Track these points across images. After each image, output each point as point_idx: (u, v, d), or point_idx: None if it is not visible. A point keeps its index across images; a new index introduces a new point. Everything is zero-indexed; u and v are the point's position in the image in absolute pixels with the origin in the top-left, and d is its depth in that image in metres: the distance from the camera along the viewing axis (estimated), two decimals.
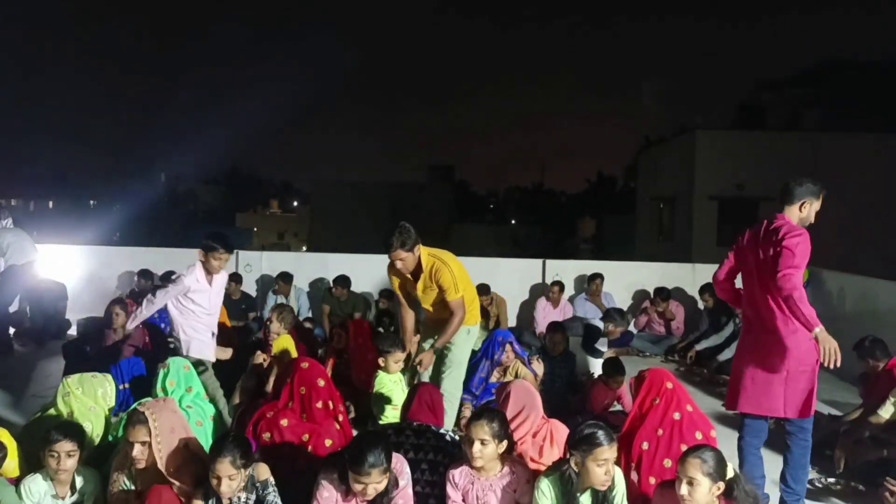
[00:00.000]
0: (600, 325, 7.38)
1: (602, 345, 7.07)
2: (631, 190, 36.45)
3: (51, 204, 51.37)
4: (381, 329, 7.23)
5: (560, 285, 8.95)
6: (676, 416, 3.90)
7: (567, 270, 9.58)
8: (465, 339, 5.13)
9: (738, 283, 4.28)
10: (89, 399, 4.19)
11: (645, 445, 3.90)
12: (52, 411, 4.19)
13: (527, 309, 9.40)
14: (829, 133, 19.12)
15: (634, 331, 8.99)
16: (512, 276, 9.68)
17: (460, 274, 4.94)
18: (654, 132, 26.89)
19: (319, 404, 4.05)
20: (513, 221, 51.13)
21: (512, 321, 9.21)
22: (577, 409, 5.54)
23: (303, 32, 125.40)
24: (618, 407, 5.68)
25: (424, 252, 4.90)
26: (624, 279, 9.63)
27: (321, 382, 4.11)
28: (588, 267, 9.67)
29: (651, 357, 8.42)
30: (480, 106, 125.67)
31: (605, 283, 9.16)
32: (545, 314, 8.69)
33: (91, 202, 49.60)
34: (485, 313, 8.86)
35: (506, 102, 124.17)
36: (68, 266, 9.36)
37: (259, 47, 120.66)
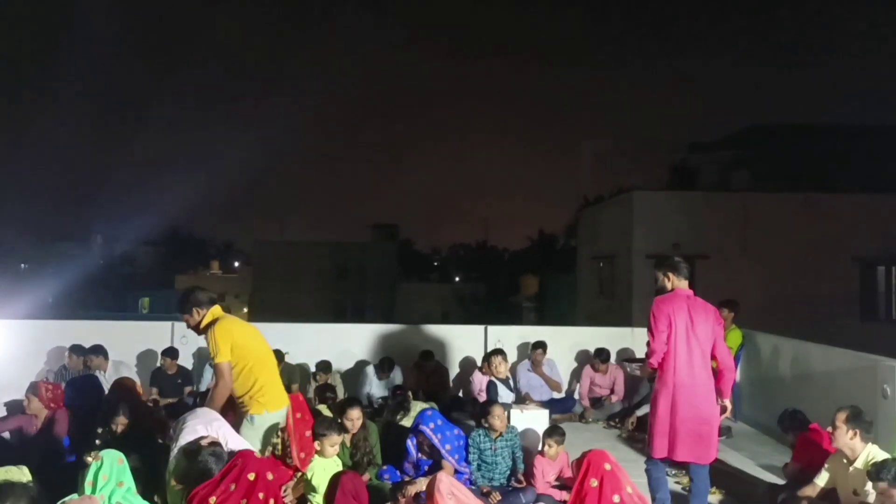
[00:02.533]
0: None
1: (539, 417, 6.94)
2: (572, 248, 37.07)
3: None
4: (326, 404, 7.05)
5: (495, 356, 8.74)
6: (615, 498, 3.91)
7: (509, 336, 9.58)
8: (249, 429, 4.83)
9: None
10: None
11: None
12: None
13: (467, 377, 9.34)
14: (756, 193, 19.93)
15: (576, 396, 9.03)
16: (455, 343, 9.64)
17: (225, 338, 4.80)
18: (593, 192, 27.50)
19: (262, 495, 3.95)
20: (457, 279, 51.37)
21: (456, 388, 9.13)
22: (519, 489, 5.49)
23: (243, 94, 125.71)
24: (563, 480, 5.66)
25: (211, 315, 4.96)
26: (566, 342, 9.68)
27: (270, 476, 4.03)
28: (530, 332, 9.70)
29: (593, 423, 8.44)
30: (422, 164, 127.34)
31: (548, 346, 9.16)
32: (480, 388, 8.50)
33: (22, 265, 47.98)
34: (422, 382, 8.76)
35: (448, 160, 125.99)
36: None
37: (197, 112, 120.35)
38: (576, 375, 9.39)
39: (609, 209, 23.31)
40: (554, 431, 5.77)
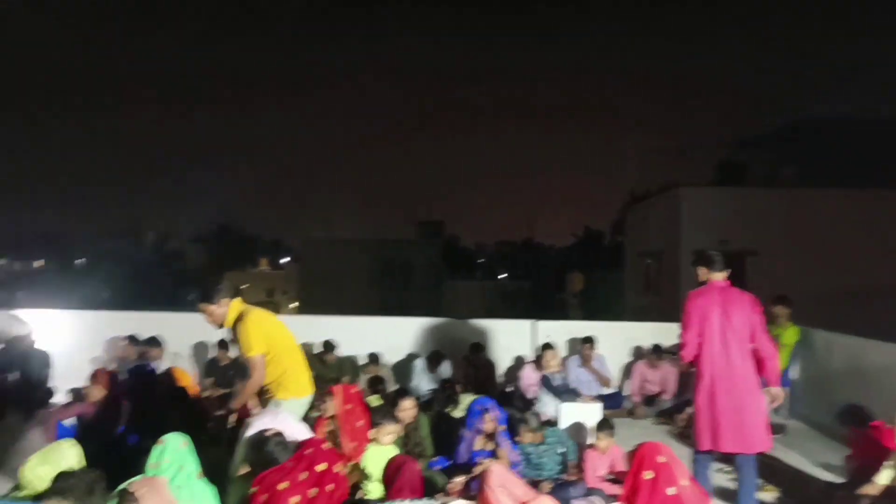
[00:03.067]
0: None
1: (589, 412, 6.93)
2: (618, 244, 36.71)
3: (37, 264, 51.10)
4: (376, 395, 7.13)
5: (546, 351, 8.73)
6: (671, 490, 3.87)
7: (558, 331, 9.57)
8: (274, 412, 4.86)
9: None
10: (54, 471, 4.12)
11: None
12: (18, 493, 4.11)
13: (516, 372, 9.34)
14: (805, 189, 19.52)
15: (625, 392, 8.96)
16: (502, 338, 9.66)
17: (258, 331, 4.88)
18: (640, 188, 27.18)
19: (329, 487, 4.03)
20: (500, 276, 51.20)
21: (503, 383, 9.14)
22: (570, 482, 5.47)
23: (292, 90, 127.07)
24: (611, 476, 5.62)
25: (235, 310, 4.98)
26: (615, 338, 9.62)
27: (338, 468, 4.13)
28: (579, 328, 9.66)
29: (643, 419, 8.37)
30: (468, 160, 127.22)
31: (597, 342, 9.11)
32: (530, 382, 8.52)
33: (78, 262, 49.37)
34: (471, 377, 8.81)
35: (493, 155, 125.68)
36: (54, 332, 9.27)
37: (246, 110, 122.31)
38: (625, 371, 9.32)
39: (656, 205, 23.02)
40: (603, 425, 5.75)
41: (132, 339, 8.85)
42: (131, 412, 6.25)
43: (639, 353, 9.35)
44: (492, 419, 5.75)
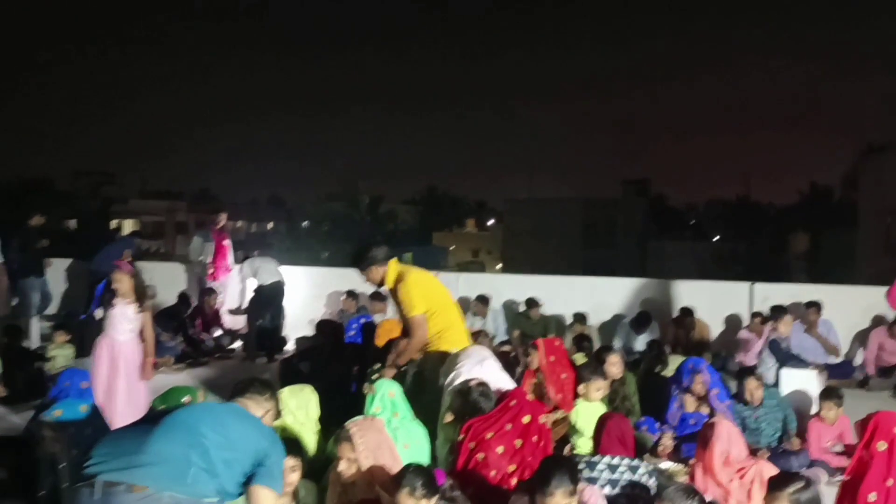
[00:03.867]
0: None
1: (812, 379, 6.45)
2: (851, 202, 33.33)
3: (269, 226, 56.25)
4: (582, 353, 7.11)
5: (761, 316, 8.25)
6: None
7: (778, 295, 8.89)
8: (436, 363, 5.02)
9: None
10: (300, 412, 4.52)
11: (872, 496, 3.54)
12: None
13: (731, 336, 8.86)
14: None
15: (859, 361, 8.20)
16: (715, 301, 9.18)
17: (419, 291, 5.01)
18: (878, 138, 24.39)
19: (535, 438, 4.11)
20: (715, 238, 48.54)
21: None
22: (791, 451, 5.14)
23: (490, 54, 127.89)
24: (839, 447, 5.21)
25: (394, 270, 5.12)
26: (846, 303, 8.78)
27: (543, 419, 4.20)
28: (802, 291, 8.92)
29: (877, 391, 7.63)
30: (676, 114, 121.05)
31: (824, 309, 8.38)
32: (748, 348, 8.06)
33: (303, 224, 53.61)
34: (681, 339, 8.51)
35: (705, 109, 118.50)
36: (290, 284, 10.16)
37: (454, 70, 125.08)
38: (859, 339, 8.50)
39: None
40: (832, 393, 5.33)
41: (351, 294, 9.50)
42: (352, 360, 6.72)
43: (877, 321, 8.47)
44: (702, 381, 5.53)
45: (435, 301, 5.21)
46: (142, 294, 5.62)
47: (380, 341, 7.04)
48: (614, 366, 5.74)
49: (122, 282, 5.56)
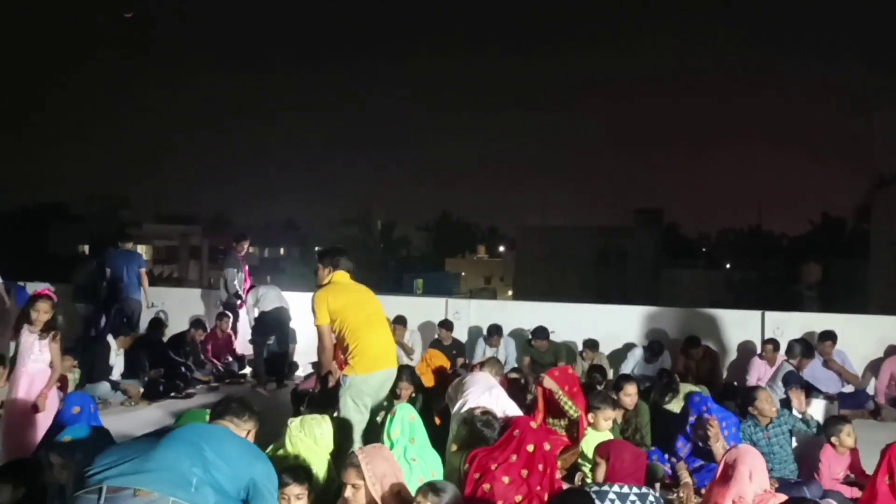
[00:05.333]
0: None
1: (819, 408, 6.43)
2: (863, 232, 33.15)
3: (282, 251, 56.44)
4: (597, 386, 7.08)
5: (774, 343, 8.25)
6: None
7: (789, 324, 8.87)
8: (343, 388, 5.06)
9: None
10: (309, 440, 4.53)
11: None
12: (280, 451, 4.57)
13: (742, 365, 8.82)
14: None
15: (871, 391, 8.13)
16: (727, 329, 9.14)
17: (324, 304, 5.14)
18: (891, 169, 24.28)
19: (541, 466, 4.10)
20: (727, 266, 48.30)
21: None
22: (803, 482, 5.10)
23: (501, 86, 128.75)
24: (853, 477, 5.16)
25: (328, 278, 5.37)
26: (856, 333, 8.73)
27: (547, 447, 4.17)
28: (814, 320, 8.88)
29: (890, 421, 7.55)
30: (689, 144, 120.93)
31: (838, 336, 8.30)
32: (759, 375, 8.03)
33: (316, 249, 53.87)
34: (690, 368, 8.44)
35: (717, 140, 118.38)
36: (297, 312, 10.22)
37: (470, 103, 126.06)
38: (871, 369, 8.44)
39: None
40: (843, 422, 5.24)
41: None
42: None
43: (889, 350, 8.41)
44: (711, 425, 5.44)
45: (347, 318, 5.21)
46: (51, 325, 5.38)
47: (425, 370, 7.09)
48: (629, 396, 5.72)
49: (41, 311, 5.32)
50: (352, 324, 5.20)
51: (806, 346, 7.70)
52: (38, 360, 5.35)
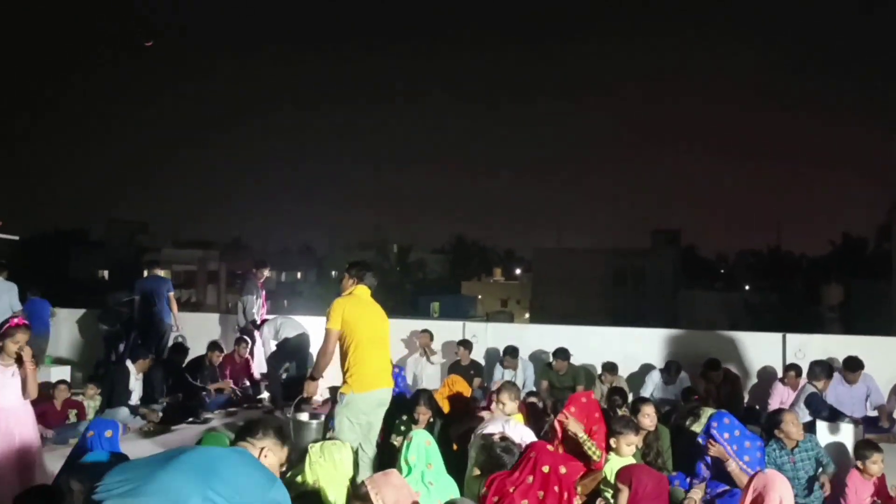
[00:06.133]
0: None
1: (848, 433, 6.33)
2: (885, 253, 32.83)
3: (299, 275, 56.71)
4: (617, 409, 7.00)
5: (797, 369, 8.12)
6: None
7: (811, 346, 8.75)
8: (340, 406, 5.22)
9: None
10: (329, 465, 4.51)
11: None
12: (299, 478, 4.55)
13: (764, 388, 8.69)
14: None
15: None
16: (747, 352, 9.04)
17: (340, 312, 5.35)
18: None
19: (556, 488, 4.08)
20: (746, 288, 47.93)
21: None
22: None
23: (510, 101, 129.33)
24: (879, 502, 5.06)
25: (349, 289, 5.60)
26: (881, 356, 8.57)
27: (563, 470, 4.15)
28: (836, 343, 8.75)
29: None
30: (707, 165, 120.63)
31: (862, 359, 8.15)
32: (781, 399, 7.91)
33: (333, 273, 54.05)
34: (711, 392, 8.31)
35: (735, 161, 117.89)
36: (315, 336, 10.23)
37: (485, 122, 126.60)
38: (895, 392, 8.28)
39: None
40: (870, 447, 5.16)
41: None
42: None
43: None
44: (711, 445, 5.34)
45: (357, 331, 5.38)
46: (23, 356, 4.95)
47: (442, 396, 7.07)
48: (647, 417, 5.67)
49: (21, 341, 4.92)
50: (358, 338, 5.37)
51: (827, 368, 7.58)
52: (9, 396, 4.93)
